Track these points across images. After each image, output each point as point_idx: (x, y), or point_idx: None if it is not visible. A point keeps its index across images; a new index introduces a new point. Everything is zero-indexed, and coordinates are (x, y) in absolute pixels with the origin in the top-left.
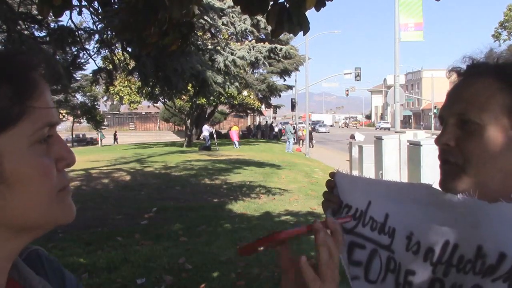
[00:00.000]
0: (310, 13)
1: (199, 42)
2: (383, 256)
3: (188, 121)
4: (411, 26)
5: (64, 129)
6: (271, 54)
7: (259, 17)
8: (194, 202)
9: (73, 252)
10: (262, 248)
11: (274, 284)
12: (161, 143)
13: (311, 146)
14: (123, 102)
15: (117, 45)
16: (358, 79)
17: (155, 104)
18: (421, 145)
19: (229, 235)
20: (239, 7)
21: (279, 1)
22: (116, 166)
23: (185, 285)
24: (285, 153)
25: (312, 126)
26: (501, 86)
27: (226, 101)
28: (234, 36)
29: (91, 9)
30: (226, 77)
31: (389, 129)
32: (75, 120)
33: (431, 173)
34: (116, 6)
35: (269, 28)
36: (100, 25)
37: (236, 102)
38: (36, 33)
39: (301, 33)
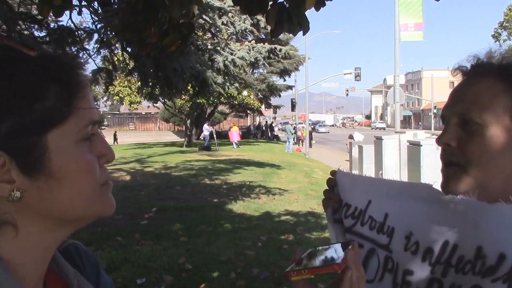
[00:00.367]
0: (310, 13)
1: (199, 42)
2: (381, 255)
3: (188, 121)
4: (411, 26)
5: None
6: (271, 55)
7: (259, 17)
8: (194, 202)
9: None
10: (311, 276)
11: (274, 284)
12: (161, 143)
13: (310, 146)
14: (124, 103)
15: (117, 45)
16: (358, 79)
17: (155, 104)
18: (421, 145)
19: (229, 235)
20: (238, 7)
21: (279, 1)
22: (116, 166)
23: (185, 285)
24: (285, 153)
25: (312, 126)
26: (504, 87)
27: (226, 101)
28: (234, 36)
29: (90, 9)
30: (226, 77)
31: (384, 128)
32: None
33: (431, 173)
34: (116, 6)
35: (269, 27)
36: (99, 25)
37: (236, 102)
38: (36, 33)
39: (301, 33)
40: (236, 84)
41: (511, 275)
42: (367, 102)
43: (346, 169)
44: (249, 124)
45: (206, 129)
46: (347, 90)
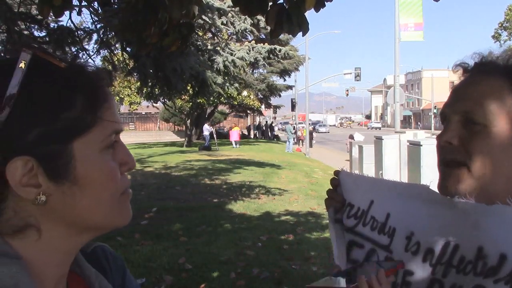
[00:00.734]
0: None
1: (198, 43)
2: (381, 256)
3: (188, 121)
4: (411, 26)
5: None
6: (271, 55)
7: (259, 17)
8: (194, 202)
9: None
10: None
11: (274, 284)
12: (161, 143)
13: (310, 146)
14: (124, 104)
15: (116, 45)
16: (358, 79)
17: (154, 104)
18: (421, 145)
19: (229, 235)
20: (238, 7)
21: (278, 2)
22: None
23: (185, 285)
24: (285, 153)
25: (312, 126)
26: (511, 88)
27: (226, 101)
28: (234, 36)
29: (90, 9)
30: (226, 78)
31: (380, 128)
32: None
33: (431, 173)
34: (116, 6)
35: (269, 28)
36: (99, 25)
37: (236, 102)
38: (36, 33)
39: (301, 33)
40: (236, 84)
41: None
42: (367, 102)
43: (347, 168)
44: (249, 124)
45: (207, 129)
46: (347, 90)
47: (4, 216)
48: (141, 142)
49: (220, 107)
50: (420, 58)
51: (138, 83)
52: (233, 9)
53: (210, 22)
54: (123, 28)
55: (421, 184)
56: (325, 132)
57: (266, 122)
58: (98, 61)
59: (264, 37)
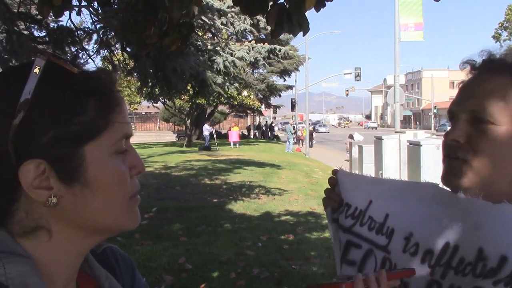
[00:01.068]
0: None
1: (198, 43)
2: (379, 256)
3: (188, 121)
4: (411, 26)
5: None
6: (271, 55)
7: (259, 17)
8: (194, 202)
9: None
10: None
11: (274, 284)
12: (161, 143)
13: (311, 146)
14: None
15: (116, 45)
16: (358, 79)
17: (155, 104)
18: (421, 145)
19: (229, 235)
20: (238, 7)
21: (279, 2)
22: None
23: (185, 285)
24: (285, 153)
25: (312, 126)
26: None
27: (226, 101)
28: (233, 36)
29: (90, 9)
30: (226, 78)
31: (376, 128)
32: None
33: (431, 173)
34: (115, 6)
35: (269, 28)
36: (99, 25)
37: (236, 103)
38: (36, 33)
39: (301, 33)
40: (236, 84)
41: None
42: (367, 102)
43: (347, 168)
44: (249, 124)
45: (207, 129)
46: (347, 90)
47: (16, 217)
48: (141, 142)
49: (220, 107)
50: (420, 58)
51: (138, 83)
52: (233, 9)
53: (210, 22)
54: (123, 28)
55: (430, 182)
56: (325, 132)
57: (266, 122)
58: (98, 61)
59: (264, 37)
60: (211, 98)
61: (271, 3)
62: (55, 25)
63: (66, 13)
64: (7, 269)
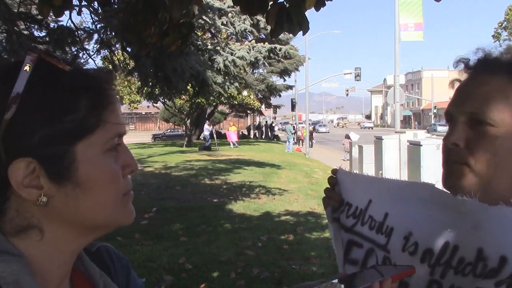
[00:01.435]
0: (310, 13)
1: (199, 43)
2: (380, 255)
3: (188, 121)
4: (411, 26)
5: None
6: (271, 54)
7: (259, 17)
8: (194, 202)
9: None
10: None
11: (274, 284)
12: (161, 143)
13: (311, 146)
14: (123, 102)
15: (117, 45)
16: (358, 79)
17: (155, 104)
18: (421, 145)
19: (229, 235)
20: (238, 7)
21: (279, 1)
22: None
23: (185, 285)
24: (285, 153)
25: (312, 126)
26: None
27: (226, 101)
28: (233, 36)
29: (90, 9)
30: (226, 77)
31: (372, 128)
32: None
33: (431, 173)
34: (116, 6)
35: (269, 28)
36: (99, 25)
37: (236, 102)
38: (36, 33)
39: (301, 33)
40: (236, 84)
41: None
42: (367, 102)
43: (346, 168)
44: (249, 124)
45: (207, 128)
46: (347, 90)
47: (7, 216)
48: (141, 142)
49: (220, 107)
50: (420, 58)
51: (139, 83)
52: (233, 9)
53: (210, 22)
54: (123, 28)
55: (426, 182)
56: (325, 132)
57: (266, 122)
58: (98, 61)
59: (264, 37)
60: (211, 98)
61: (271, 3)
62: (55, 25)
63: (67, 13)
64: (0, 267)
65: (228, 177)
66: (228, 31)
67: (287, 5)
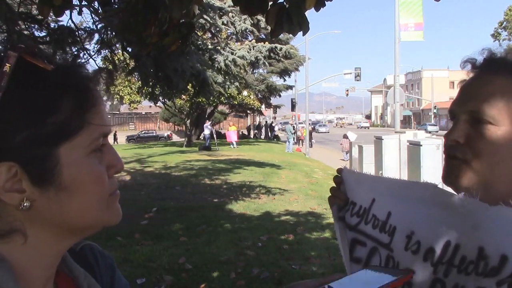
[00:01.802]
0: (310, 13)
1: (199, 42)
2: (383, 254)
3: (188, 121)
4: (411, 26)
5: None
6: (271, 54)
7: (259, 17)
8: (194, 202)
9: None
10: None
11: (274, 284)
12: (161, 143)
13: (310, 146)
14: (124, 102)
15: (117, 45)
16: (358, 79)
17: (156, 105)
18: (421, 145)
19: (229, 235)
20: (238, 7)
21: (279, 1)
22: None
23: (185, 285)
24: (285, 153)
25: (312, 126)
26: None
27: (226, 101)
28: (234, 36)
29: (91, 9)
30: (226, 77)
31: (368, 127)
32: None
33: (431, 173)
34: (116, 6)
35: (269, 27)
36: (100, 25)
37: (236, 102)
38: (36, 33)
39: (301, 33)
40: (237, 84)
41: None
42: (367, 102)
43: (349, 167)
44: (249, 124)
45: (207, 127)
46: (347, 90)
47: None
48: (141, 142)
49: (220, 107)
50: (420, 58)
51: (139, 83)
52: (233, 8)
53: (211, 22)
54: (124, 28)
55: (428, 182)
56: (325, 132)
57: (266, 122)
58: (99, 61)
59: (264, 37)
60: (211, 97)
61: (270, 3)
62: (56, 25)
63: (67, 12)
64: None
65: (228, 177)
66: (229, 31)
67: (287, 5)
